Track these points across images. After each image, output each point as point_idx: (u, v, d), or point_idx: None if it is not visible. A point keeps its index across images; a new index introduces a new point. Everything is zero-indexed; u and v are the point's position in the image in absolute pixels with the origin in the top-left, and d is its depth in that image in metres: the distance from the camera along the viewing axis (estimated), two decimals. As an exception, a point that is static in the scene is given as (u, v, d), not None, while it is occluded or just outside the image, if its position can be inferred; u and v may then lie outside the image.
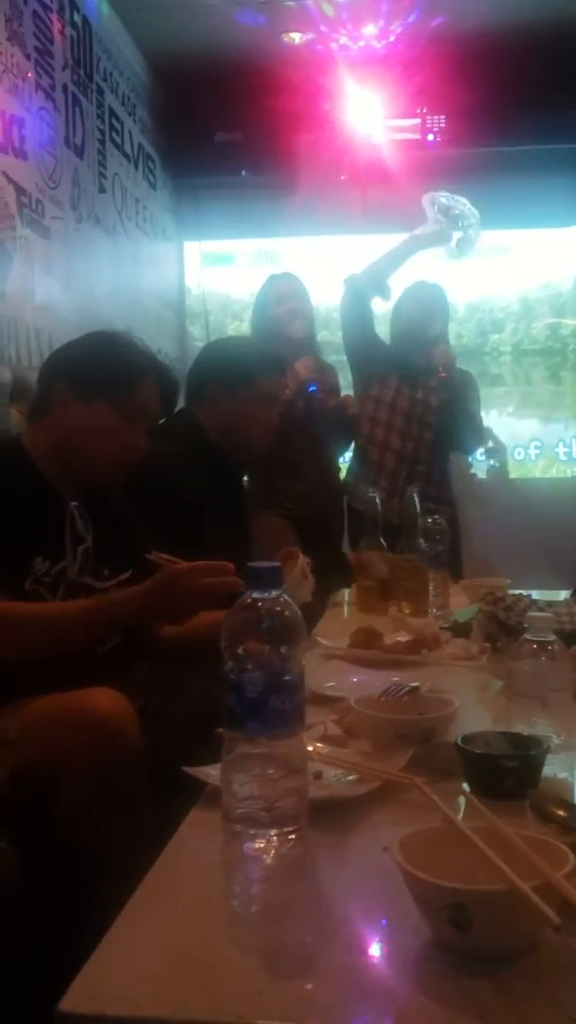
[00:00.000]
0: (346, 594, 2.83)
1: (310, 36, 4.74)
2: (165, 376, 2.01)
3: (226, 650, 1.05)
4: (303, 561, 2.05)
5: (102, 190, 4.23)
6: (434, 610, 2.47)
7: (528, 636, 1.39)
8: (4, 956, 1.40)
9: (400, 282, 3.84)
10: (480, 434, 3.91)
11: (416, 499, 2.61)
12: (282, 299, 3.51)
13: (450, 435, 3.70)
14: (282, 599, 1.06)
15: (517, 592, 2.30)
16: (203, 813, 1.13)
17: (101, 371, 1.88)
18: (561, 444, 5.62)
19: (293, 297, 3.52)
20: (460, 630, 2.15)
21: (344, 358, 3.90)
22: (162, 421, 2.09)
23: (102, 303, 4.10)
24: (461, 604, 2.49)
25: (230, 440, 2.51)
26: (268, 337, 3.43)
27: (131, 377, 1.90)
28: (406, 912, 0.86)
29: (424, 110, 5.11)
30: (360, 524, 2.99)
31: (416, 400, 3.61)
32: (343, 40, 4.76)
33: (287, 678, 1.03)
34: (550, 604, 2.04)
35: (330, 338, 4.42)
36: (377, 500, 2.70)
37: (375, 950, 0.87)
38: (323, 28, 4.67)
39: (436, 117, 5.11)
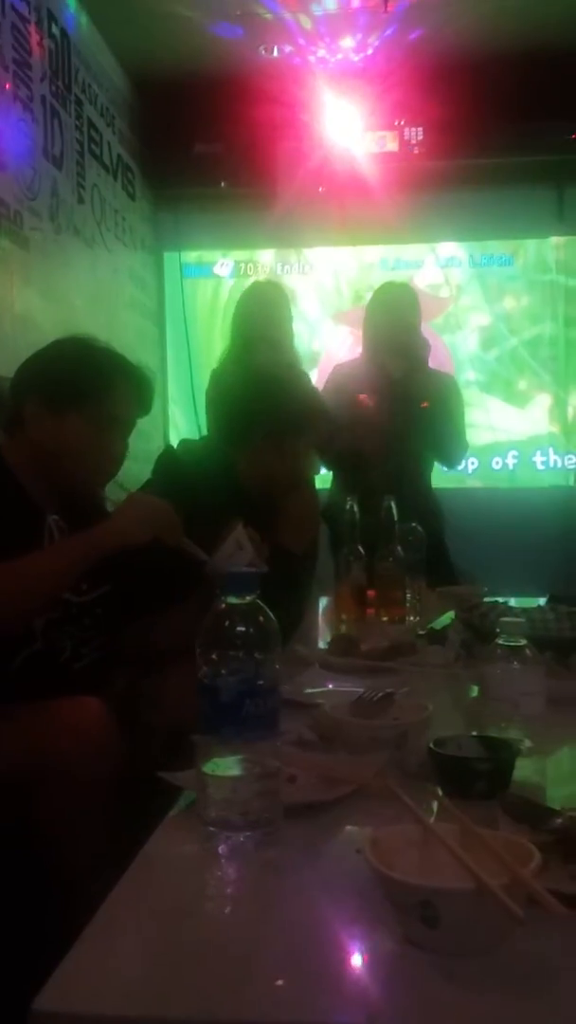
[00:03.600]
0: (322, 602, 2.83)
1: (288, 49, 4.78)
2: (137, 378, 1.96)
3: (201, 655, 1.06)
4: (240, 530, 1.99)
5: (81, 201, 4.25)
6: (411, 617, 2.49)
7: (500, 641, 1.41)
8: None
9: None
10: (464, 443, 3.68)
11: (393, 508, 2.62)
12: (264, 306, 3.50)
13: (433, 445, 3.54)
14: (258, 604, 1.07)
15: (494, 600, 2.33)
16: (179, 817, 1.14)
17: (68, 383, 1.86)
18: (539, 453, 5.67)
19: (275, 304, 3.52)
20: (436, 637, 2.16)
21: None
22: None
23: (81, 314, 4.11)
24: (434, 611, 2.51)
25: (266, 486, 2.42)
26: (249, 344, 3.42)
27: (100, 386, 1.88)
28: (379, 911, 0.87)
29: (402, 122, 5.16)
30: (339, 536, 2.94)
31: (395, 413, 3.44)
32: (321, 53, 4.81)
33: (261, 683, 1.04)
34: (526, 611, 2.06)
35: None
36: (355, 508, 2.70)
37: (349, 948, 0.88)
38: (301, 41, 4.72)
39: (414, 129, 5.16)
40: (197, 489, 2.19)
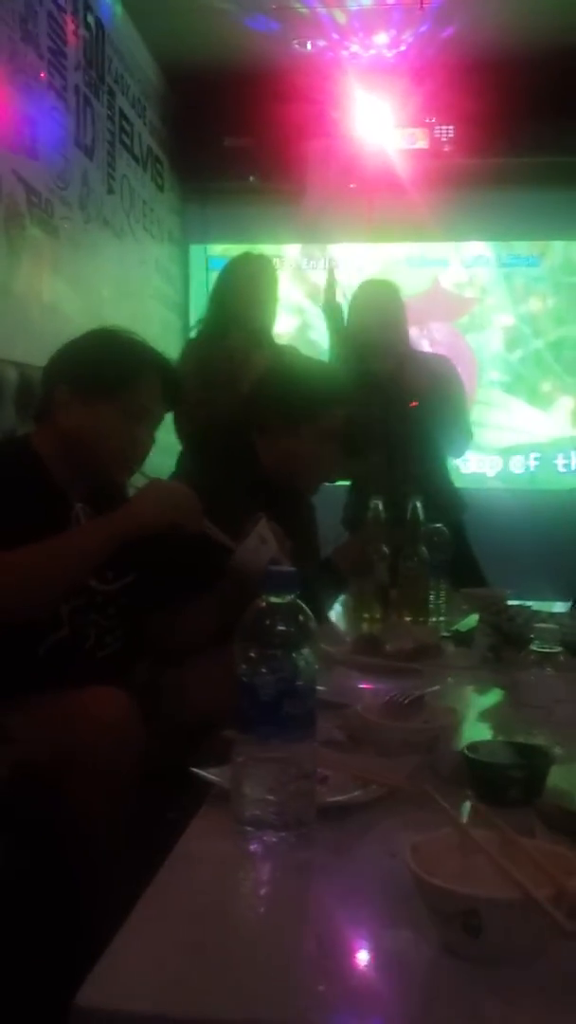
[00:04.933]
0: (339, 601, 2.79)
1: (322, 43, 4.76)
2: (168, 372, 1.98)
3: (239, 653, 1.06)
4: (263, 524, 1.97)
5: (110, 191, 4.25)
6: (435, 619, 2.48)
7: (535, 647, 1.40)
8: (7, 952, 1.41)
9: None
10: (468, 431, 3.43)
11: (420, 507, 2.60)
12: (248, 281, 3.25)
13: (439, 436, 3.34)
14: (297, 603, 1.07)
15: (517, 603, 2.32)
16: (210, 814, 1.14)
17: (100, 372, 1.87)
18: (561, 456, 5.65)
19: (260, 282, 3.27)
20: (461, 639, 2.16)
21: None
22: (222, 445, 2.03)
23: (108, 304, 4.12)
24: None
25: (288, 474, 2.41)
26: (222, 323, 3.22)
27: (130, 377, 1.89)
28: (414, 917, 0.86)
29: (433, 120, 5.14)
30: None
31: (391, 415, 3.27)
32: (354, 48, 4.79)
33: (300, 683, 1.04)
34: (552, 615, 2.06)
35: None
36: (380, 507, 2.68)
37: (387, 955, 0.87)
38: (335, 36, 4.70)
39: (445, 127, 5.14)
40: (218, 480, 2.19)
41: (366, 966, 0.86)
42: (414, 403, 3.21)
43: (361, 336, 3.30)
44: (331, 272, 3.53)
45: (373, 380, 3.21)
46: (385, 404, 3.23)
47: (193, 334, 3.45)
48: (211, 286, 3.45)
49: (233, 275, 3.30)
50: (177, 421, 3.05)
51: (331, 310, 3.45)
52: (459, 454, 3.69)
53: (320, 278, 5.65)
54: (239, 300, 3.22)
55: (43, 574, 1.68)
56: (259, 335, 3.23)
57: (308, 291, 5.70)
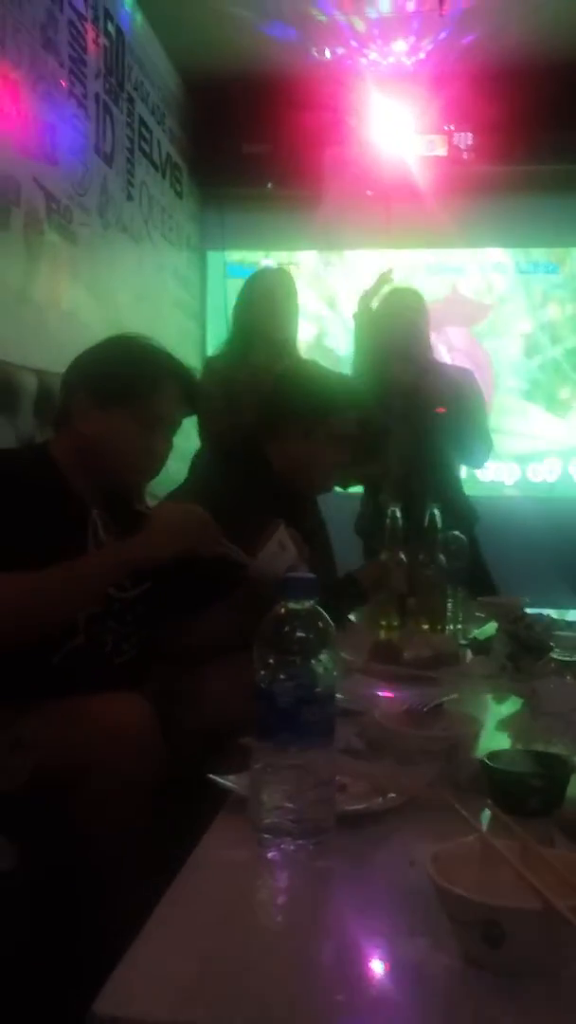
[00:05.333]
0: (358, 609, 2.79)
1: (340, 51, 4.77)
2: (186, 379, 1.97)
3: (258, 659, 1.05)
4: (282, 531, 1.96)
5: (129, 198, 4.26)
6: (453, 627, 2.47)
7: (554, 655, 1.39)
8: (25, 961, 1.41)
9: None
10: (488, 441, 3.47)
11: (437, 515, 2.60)
12: (267, 295, 3.31)
13: (456, 446, 3.38)
14: (316, 609, 1.06)
15: (535, 611, 2.31)
16: (228, 821, 1.13)
17: (118, 380, 1.87)
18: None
19: (278, 295, 3.33)
20: (480, 647, 2.14)
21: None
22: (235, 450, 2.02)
23: (126, 311, 4.12)
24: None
25: (297, 478, 2.41)
26: (244, 339, 3.29)
27: (148, 384, 1.88)
28: (433, 926, 0.86)
29: (452, 127, 5.14)
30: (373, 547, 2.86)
31: (411, 423, 3.29)
32: (373, 55, 4.79)
33: (319, 689, 1.03)
34: (570, 624, 2.04)
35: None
36: (397, 514, 2.68)
37: (405, 965, 0.86)
38: (354, 43, 4.70)
39: (464, 134, 5.13)
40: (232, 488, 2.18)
41: (384, 976, 0.85)
42: (441, 408, 3.23)
43: (386, 343, 3.32)
44: (383, 277, 3.49)
45: (395, 387, 3.23)
46: (405, 412, 3.24)
47: (212, 352, 3.49)
48: (228, 293, 3.50)
49: (252, 291, 3.36)
50: (201, 425, 3.08)
51: (365, 315, 3.46)
52: (479, 465, 3.72)
53: (336, 285, 5.69)
54: (259, 315, 3.27)
55: (52, 599, 1.68)
56: (281, 348, 3.26)
57: (325, 298, 5.70)
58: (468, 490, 3.60)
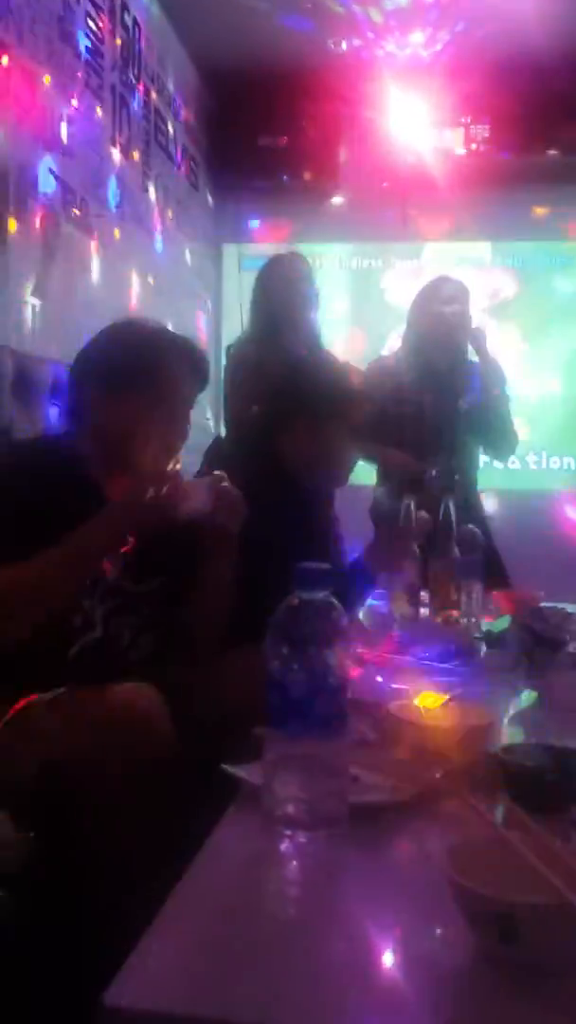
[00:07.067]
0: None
1: (357, 43, 4.74)
2: (189, 351, 1.96)
3: (271, 650, 1.04)
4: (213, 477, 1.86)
5: (145, 190, 4.25)
6: (466, 619, 2.46)
7: (570, 649, 1.38)
8: (36, 952, 1.40)
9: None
10: (513, 435, 3.51)
11: (452, 508, 2.59)
12: (284, 280, 3.36)
13: (482, 439, 3.46)
14: (330, 600, 1.05)
15: (552, 605, 2.29)
16: (241, 812, 1.13)
17: (124, 365, 1.86)
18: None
19: (299, 281, 3.37)
20: (494, 640, 2.13)
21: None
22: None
23: (141, 303, 4.12)
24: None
25: (305, 472, 2.39)
26: (269, 323, 3.31)
27: (154, 366, 1.88)
28: (447, 920, 0.85)
29: (468, 119, 5.10)
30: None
31: (440, 412, 3.39)
32: (390, 47, 4.76)
33: (332, 680, 1.02)
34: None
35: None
36: (412, 507, 2.66)
37: (419, 959, 0.86)
38: (370, 35, 4.67)
39: (480, 126, 5.10)
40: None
41: (397, 970, 0.84)
42: (496, 388, 3.29)
43: (428, 330, 3.39)
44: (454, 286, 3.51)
45: (432, 375, 3.32)
46: (437, 400, 3.33)
47: (227, 343, 3.52)
48: (243, 286, 3.54)
49: (269, 276, 3.40)
50: (225, 409, 3.11)
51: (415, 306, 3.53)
52: (504, 458, 3.77)
53: (355, 279, 5.66)
54: (280, 300, 3.31)
55: (58, 575, 1.67)
56: (307, 333, 3.30)
57: (342, 289, 5.68)
58: (484, 483, 3.64)
